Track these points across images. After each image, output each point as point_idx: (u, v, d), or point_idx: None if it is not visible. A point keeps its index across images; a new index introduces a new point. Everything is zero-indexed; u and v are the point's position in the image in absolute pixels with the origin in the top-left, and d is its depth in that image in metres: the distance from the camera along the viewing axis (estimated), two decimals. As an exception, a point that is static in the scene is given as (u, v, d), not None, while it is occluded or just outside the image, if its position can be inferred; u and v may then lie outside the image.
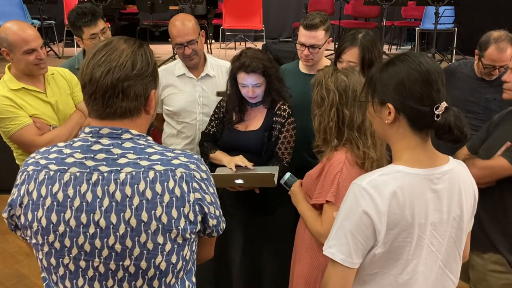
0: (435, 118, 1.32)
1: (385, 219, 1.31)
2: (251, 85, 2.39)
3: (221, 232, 1.37)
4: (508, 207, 2.18)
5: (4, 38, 2.34)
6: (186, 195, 1.24)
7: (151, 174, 1.22)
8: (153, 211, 1.21)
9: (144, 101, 1.28)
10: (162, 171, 1.23)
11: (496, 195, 2.18)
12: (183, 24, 2.65)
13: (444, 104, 1.33)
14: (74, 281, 1.25)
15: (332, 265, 1.38)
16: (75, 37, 2.94)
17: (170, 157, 1.27)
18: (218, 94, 2.74)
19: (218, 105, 2.61)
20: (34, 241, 1.26)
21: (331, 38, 2.72)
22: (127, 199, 1.20)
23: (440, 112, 1.32)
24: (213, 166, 2.53)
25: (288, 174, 2.13)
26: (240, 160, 2.38)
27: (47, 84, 2.51)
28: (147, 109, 1.30)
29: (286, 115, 2.47)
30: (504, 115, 2.34)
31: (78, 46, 5.80)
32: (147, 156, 1.25)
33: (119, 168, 1.22)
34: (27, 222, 1.25)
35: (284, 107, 2.49)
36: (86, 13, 2.81)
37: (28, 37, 2.35)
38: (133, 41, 1.30)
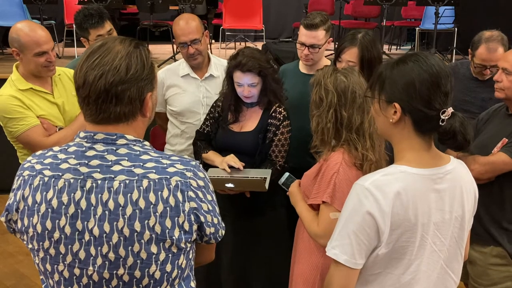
0: (440, 123, 1.32)
1: (389, 220, 1.31)
2: (247, 84, 2.38)
3: (219, 239, 1.34)
4: (505, 201, 2.24)
5: (16, 38, 2.34)
6: (181, 204, 1.21)
7: (145, 182, 1.19)
8: (146, 221, 1.18)
9: (140, 105, 1.25)
10: (157, 180, 1.20)
11: (494, 190, 2.24)
12: (187, 23, 2.66)
13: (450, 110, 1.32)
14: (69, 287, 1.24)
15: (335, 265, 1.37)
16: (81, 38, 2.94)
17: (165, 165, 1.23)
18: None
19: (214, 105, 2.60)
20: (30, 246, 1.25)
21: (331, 38, 2.72)
22: (120, 208, 1.18)
23: (446, 117, 1.31)
24: (205, 166, 2.53)
25: (286, 174, 2.12)
26: (232, 160, 2.37)
27: (54, 85, 2.52)
28: (143, 112, 1.27)
29: (281, 118, 2.46)
30: (491, 112, 2.41)
31: (78, 46, 5.80)
32: (141, 164, 1.22)
33: (113, 176, 1.20)
34: (23, 228, 1.24)
35: (280, 109, 2.47)
36: (93, 15, 2.81)
37: (40, 39, 2.35)
38: (129, 41, 1.26)
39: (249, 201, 2.45)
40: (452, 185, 1.39)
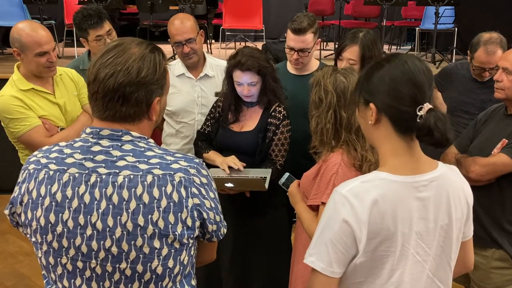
0: (418, 120, 1.27)
1: (366, 228, 1.27)
2: (246, 83, 2.39)
3: (221, 237, 1.35)
4: (506, 203, 2.21)
5: (17, 38, 2.34)
6: (184, 200, 1.23)
7: (149, 178, 1.21)
8: (149, 216, 1.20)
9: (146, 108, 1.26)
10: (161, 175, 1.22)
11: (494, 191, 2.21)
12: (182, 23, 2.65)
13: (427, 106, 1.28)
14: (72, 280, 1.25)
15: (313, 273, 1.33)
16: (80, 38, 2.94)
17: (169, 161, 1.25)
18: (217, 94, 2.75)
19: (215, 105, 2.61)
20: (33, 239, 1.27)
21: (319, 40, 2.71)
22: (124, 202, 1.19)
23: (423, 113, 1.27)
24: (206, 166, 2.52)
25: (286, 175, 2.12)
26: (232, 161, 2.37)
27: (55, 85, 2.51)
28: (149, 115, 1.28)
29: (281, 117, 2.46)
30: (489, 113, 2.38)
31: (78, 46, 5.80)
32: (146, 160, 1.23)
33: (117, 171, 1.21)
34: (27, 221, 1.26)
35: (280, 108, 2.48)
36: (92, 15, 2.81)
37: (41, 40, 2.34)
38: (146, 45, 1.28)
39: (250, 201, 2.45)
40: (437, 193, 1.35)
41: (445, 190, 1.36)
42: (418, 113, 1.27)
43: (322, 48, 6.99)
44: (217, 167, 2.43)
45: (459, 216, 1.40)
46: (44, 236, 1.23)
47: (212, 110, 2.61)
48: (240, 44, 7.85)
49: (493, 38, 2.78)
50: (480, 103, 2.93)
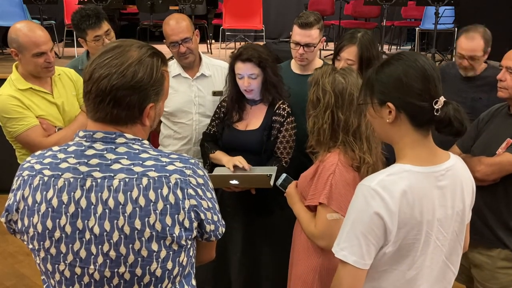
0: (435, 113, 1.34)
1: (396, 219, 1.33)
2: (247, 75, 2.40)
3: (219, 237, 1.35)
4: (511, 201, 2.22)
5: (15, 39, 2.34)
6: (180, 202, 1.22)
7: (145, 180, 1.20)
8: (146, 219, 1.19)
9: (138, 113, 1.24)
10: (156, 178, 1.21)
11: (499, 190, 2.23)
12: (177, 23, 2.66)
13: (442, 98, 1.35)
14: (70, 287, 1.25)
15: (343, 267, 1.37)
16: (79, 38, 2.94)
17: (164, 163, 1.24)
18: (214, 93, 2.76)
19: (219, 105, 2.63)
20: (31, 246, 1.26)
21: (324, 38, 2.73)
22: (120, 206, 1.19)
23: (439, 106, 1.34)
24: (213, 166, 2.54)
25: (283, 175, 2.13)
26: (238, 160, 2.38)
27: (53, 85, 2.51)
28: (141, 120, 1.26)
29: (285, 114, 2.48)
30: (492, 112, 2.40)
31: (78, 46, 5.80)
32: (141, 162, 1.22)
33: (112, 174, 1.20)
34: (24, 228, 1.25)
35: (284, 106, 2.50)
36: (90, 15, 2.81)
37: (38, 40, 2.34)
38: (147, 49, 1.26)
39: (258, 201, 2.46)
40: (453, 181, 1.42)
41: (459, 178, 1.43)
42: (435, 106, 1.34)
43: (322, 48, 7.00)
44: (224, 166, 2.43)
45: (470, 202, 1.49)
46: (42, 242, 1.22)
47: (217, 110, 2.63)
48: (240, 44, 7.85)
49: (476, 28, 2.78)
50: (470, 101, 2.93)
